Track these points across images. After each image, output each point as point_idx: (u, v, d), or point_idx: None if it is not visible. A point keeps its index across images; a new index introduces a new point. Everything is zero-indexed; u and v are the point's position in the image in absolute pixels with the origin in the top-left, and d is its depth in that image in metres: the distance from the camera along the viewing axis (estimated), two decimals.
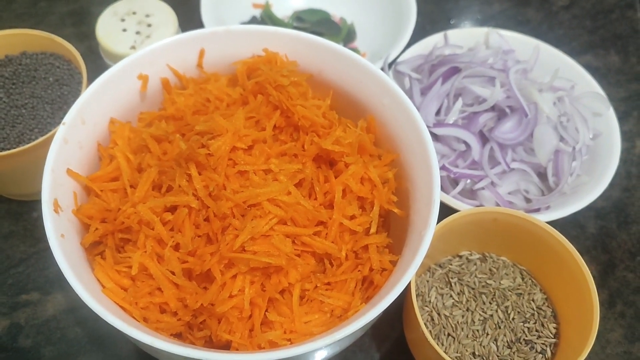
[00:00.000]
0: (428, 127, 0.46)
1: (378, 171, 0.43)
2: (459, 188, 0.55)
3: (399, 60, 0.63)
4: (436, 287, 0.49)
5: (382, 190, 0.43)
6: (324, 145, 0.42)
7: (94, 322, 0.35)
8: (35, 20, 0.75)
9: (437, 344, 0.46)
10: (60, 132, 0.43)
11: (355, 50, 0.71)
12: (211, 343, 0.41)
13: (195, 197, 0.40)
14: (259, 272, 0.39)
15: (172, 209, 0.41)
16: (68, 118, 0.43)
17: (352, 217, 0.42)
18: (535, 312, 0.48)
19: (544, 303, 0.48)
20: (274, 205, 0.39)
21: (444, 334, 0.47)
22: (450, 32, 0.65)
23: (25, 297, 0.54)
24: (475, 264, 0.50)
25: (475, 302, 0.48)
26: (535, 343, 0.46)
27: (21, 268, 0.55)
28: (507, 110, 0.56)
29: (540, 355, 0.46)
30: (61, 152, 0.42)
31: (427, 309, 0.48)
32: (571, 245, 0.45)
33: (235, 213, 0.39)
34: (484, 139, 0.56)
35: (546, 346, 0.46)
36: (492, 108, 0.57)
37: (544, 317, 0.47)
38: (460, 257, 0.51)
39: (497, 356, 0.46)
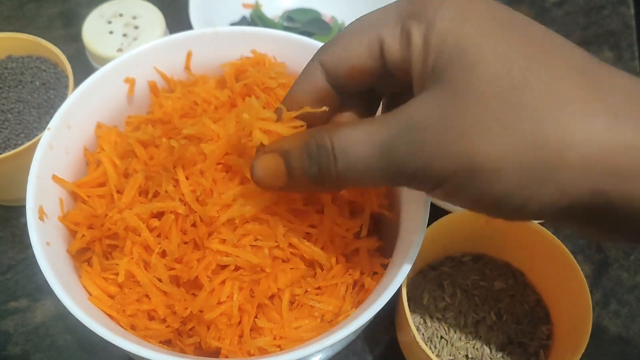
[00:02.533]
0: None
1: None
2: None
3: None
4: (428, 290, 0.49)
5: (372, 193, 0.42)
6: None
7: (83, 328, 0.35)
8: (22, 23, 0.75)
9: (430, 347, 0.46)
10: (46, 138, 0.42)
11: None
12: (201, 350, 0.40)
13: (182, 203, 0.39)
14: (248, 278, 0.38)
15: (159, 214, 0.40)
16: (53, 123, 0.43)
17: (343, 222, 0.41)
18: (529, 314, 0.47)
19: (537, 304, 0.48)
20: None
21: (437, 337, 0.46)
22: None
23: (14, 304, 0.53)
24: (467, 266, 0.50)
25: (468, 304, 0.48)
26: (529, 345, 0.46)
27: (9, 275, 0.55)
28: None
29: (534, 357, 0.46)
30: (46, 158, 0.42)
31: (419, 311, 0.47)
32: (563, 245, 0.45)
33: (221, 215, 0.38)
34: None
35: (540, 348, 0.46)
36: None
37: (537, 319, 0.47)
38: (453, 258, 0.51)
39: (490, 358, 0.45)
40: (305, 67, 0.34)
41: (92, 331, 0.34)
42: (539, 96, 0.25)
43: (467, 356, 0.45)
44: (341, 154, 0.29)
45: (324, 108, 0.33)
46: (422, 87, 0.28)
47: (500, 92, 0.25)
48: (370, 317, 0.36)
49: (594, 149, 0.24)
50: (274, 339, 0.38)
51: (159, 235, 0.40)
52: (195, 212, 0.39)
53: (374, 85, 0.34)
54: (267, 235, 0.39)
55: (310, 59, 0.34)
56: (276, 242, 0.39)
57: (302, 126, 0.34)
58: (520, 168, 0.25)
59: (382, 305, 0.36)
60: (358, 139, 0.29)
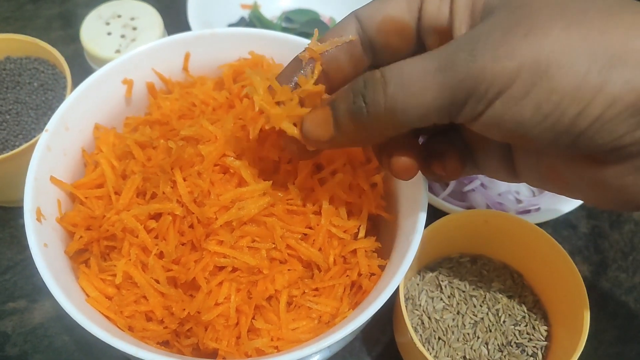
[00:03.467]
0: None
1: (366, 175, 0.43)
2: (448, 190, 0.54)
3: None
4: (426, 291, 0.49)
5: (370, 195, 0.42)
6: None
7: (82, 329, 0.35)
8: (21, 24, 0.74)
9: (427, 349, 0.46)
10: (43, 140, 0.42)
11: None
12: (199, 351, 0.40)
13: (180, 204, 0.39)
14: (245, 280, 0.38)
15: (157, 216, 0.40)
16: (51, 125, 0.43)
17: (340, 224, 0.41)
18: (526, 315, 0.47)
19: (535, 305, 0.48)
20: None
21: (435, 338, 0.46)
22: None
23: (12, 305, 0.53)
24: (465, 267, 0.50)
25: (465, 305, 0.48)
26: (527, 346, 0.46)
27: (8, 276, 0.55)
28: None
29: (532, 358, 0.46)
30: (44, 160, 0.42)
31: (417, 312, 0.47)
32: (560, 246, 0.45)
33: (219, 217, 0.38)
34: None
35: (537, 349, 0.46)
36: None
37: (535, 320, 0.47)
38: (451, 259, 0.51)
39: (488, 359, 0.45)
40: (340, 21, 0.34)
41: (90, 332, 0.34)
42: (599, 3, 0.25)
43: (464, 357, 0.45)
44: (393, 77, 0.28)
45: (351, 37, 0.33)
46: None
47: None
48: (367, 319, 0.36)
49: None
50: (272, 340, 0.38)
51: (156, 237, 0.40)
52: (193, 213, 0.39)
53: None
54: (265, 237, 0.39)
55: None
56: (273, 243, 0.39)
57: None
58: (590, 55, 0.24)
59: (380, 307, 0.36)
60: (412, 62, 0.28)
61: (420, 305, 0.48)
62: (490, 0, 0.28)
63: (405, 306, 0.43)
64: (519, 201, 0.56)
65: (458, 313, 0.47)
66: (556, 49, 0.25)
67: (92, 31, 0.61)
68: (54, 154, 0.43)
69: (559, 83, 0.25)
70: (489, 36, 0.26)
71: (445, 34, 0.30)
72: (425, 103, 0.27)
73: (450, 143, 0.35)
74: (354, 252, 0.42)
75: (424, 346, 0.45)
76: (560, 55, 0.24)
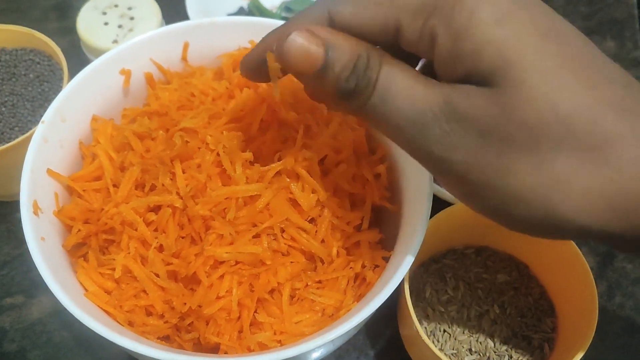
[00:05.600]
0: None
1: (370, 166, 0.42)
2: None
3: None
4: (431, 283, 0.48)
5: (374, 186, 0.42)
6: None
7: (80, 325, 0.34)
8: (16, 15, 0.73)
9: (433, 341, 0.45)
10: (39, 131, 0.41)
11: None
12: (200, 345, 0.39)
13: (179, 196, 0.38)
14: (247, 273, 0.37)
15: (156, 208, 0.39)
16: (47, 116, 0.42)
17: (343, 215, 0.40)
18: (533, 307, 0.47)
19: (541, 297, 0.47)
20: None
21: (440, 331, 0.45)
22: None
23: (10, 300, 0.52)
24: (470, 258, 0.49)
25: (471, 297, 0.47)
26: (533, 338, 0.45)
27: (5, 271, 0.54)
28: None
29: (539, 350, 0.45)
30: (40, 152, 0.41)
31: (422, 305, 0.47)
32: None
33: (214, 214, 0.38)
34: None
35: (544, 341, 0.45)
36: None
37: (542, 312, 0.46)
38: (455, 251, 0.50)
39: (494, 352, 0.45)
40: (307, 10, 0.31)
41: (88, 328, 0.34)
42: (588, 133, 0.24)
43: (470, 350, 0.45)
44: (380, 91, 0.27)
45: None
46: (453, 78, 0.26)
47: (551, 125, 0.24)
48: (372, 311, 0.35)
49: None
50: (274, 334, 0.38)
51: (155, 230, 0.39)
52: (195, 204, 0.38)
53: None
54: (265, 228, 0.38)
55: (315, 3, 0.31)
56: (274, 234, 0.38)
57: None
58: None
59: (384, 299, 0.35)
60: (403, 85, 0.27)
61: (424, 297, 0.47)
62: (481, 63, 0.25)
63: (410, 298, 0.42)
64: None
65: (463, 305, 0.47)
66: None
67: (89, 21, 0.60)
68: (50, 146, 0.42)
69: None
70: (469, 127, 0.26)
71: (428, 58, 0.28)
72: (393, 134, 0.28)
73: None
74: (358, 243, 0.41)
75: (429, 339, 0.44)
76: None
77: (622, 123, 0.24)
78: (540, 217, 0.26)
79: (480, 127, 0.25)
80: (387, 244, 0.42)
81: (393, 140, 0.29)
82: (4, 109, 0.52)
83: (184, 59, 0.49)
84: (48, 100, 0.53)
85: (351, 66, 0.28)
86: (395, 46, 0.29)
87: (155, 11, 0.61)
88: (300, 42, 0.27)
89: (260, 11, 0.71)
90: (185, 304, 0.37)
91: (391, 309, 0.49)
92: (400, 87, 0.27)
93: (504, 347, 0.45)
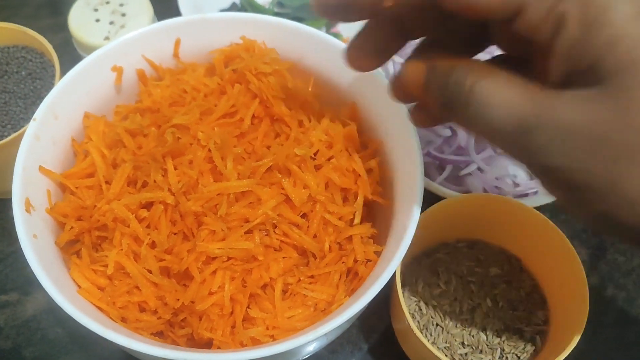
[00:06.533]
0: None
1: (362, 161, 0.42)
2: (445, 174, 0.54)
3: None
4: (423, 277, 0.48)
5: (366, 180, 0.42)
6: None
7: (75, 321, 0.34)
8: (8, 13, 0.73)
9: (425, 335, 0.45)
10: (31, 129, 0.41)
11: (337, 35, 0.69)
12: (193, 341, 0.40)
13: (171, 193, 0.38)
14: (239, 268, 0.38)
15: (148, 205, 0.39)
16: (39, 113, 0.42)
17: (335, 210, 0.40)
18: (525, 300, 0.47)
19: (533, 290, 0.48)
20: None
21: (432, 324, 0.46)
22: None
23: (4, 297, 0.52)
24: (462, 252, 0.50)
25: (463, 291, 0.47)
26: (525, 331, 0.45)
27: None
28: None
29: (531, 343, 0.45)
30: (32, 149, 0.41)
31: (414, 299, 0.47)
32: (559, 230, 0.44)
33: (206, 210, 0.38)
34: None
35: (536, 333, 0.45)
36: None
37: (534, 304, 0.47)
38: (447, 245, 0.50)
39: (487, 345, 0.45)
40: None
41: (83, 325, 0.34)
42: None
43: (463, 343, 0.45)
44: (475, 103, 0.27)
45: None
46: (567, 77, 0.26)
47: None
48: (364, 305, 0.35)
49: None
50: (267, 329, 0.38)
51: (148, 226, 0.39)
52: (187, 201, 0.38)
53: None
54: (257, 224, 0.38)
55: None
56: (266, 230, 0.38)
57: None
58: None
59: (376, 293, 0.35)
60: (500, 98, 0.26)
61: (417, 291, 0.47)
62: (606, 58, 0.24)
63: (402, 292, 0.42)
64: (516, 185, 0.55)
65: (455, 299, 0.47)
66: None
67: (80, 18, 0.59)
68: (42, 144, 0.42)
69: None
70: (578, 136, 0.25)
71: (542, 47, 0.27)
72: (499, 144, 0.28)
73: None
74: (350, 238, 0.41)
75: (421, 332, 0.44)
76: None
77: None
78: None
79: (591, 134, 0.24)
80: (379, 238, 0.42)
81: (498, 147, 0.29)
82: None
83: (175, 55, 0.49)
84: (40, 98, 0.53)
85: (440, 85, 0.29)
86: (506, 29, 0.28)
87: (147, 7, 0.61)
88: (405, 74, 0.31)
89: (253, 7, 0.71)
90: (178, 299, 0.37)
91: (385, 303, 0.49)
92: (498, 99, 0.26)
93: (497, 340, 0.45)
